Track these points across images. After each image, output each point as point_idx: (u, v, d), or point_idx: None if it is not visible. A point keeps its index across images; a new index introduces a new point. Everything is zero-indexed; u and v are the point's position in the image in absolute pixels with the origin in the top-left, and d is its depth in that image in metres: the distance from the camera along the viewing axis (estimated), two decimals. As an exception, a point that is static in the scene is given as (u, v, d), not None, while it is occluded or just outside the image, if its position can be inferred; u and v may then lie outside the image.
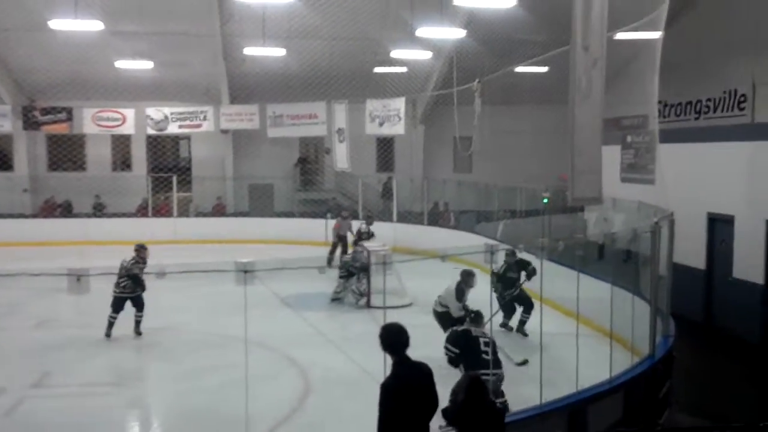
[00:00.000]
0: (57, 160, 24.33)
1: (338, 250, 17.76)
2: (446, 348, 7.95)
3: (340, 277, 14.06)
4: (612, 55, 8.00)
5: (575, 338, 7.62)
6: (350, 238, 17.85)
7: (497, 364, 7.53)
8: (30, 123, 22.47)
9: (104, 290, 10.73)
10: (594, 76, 7.68)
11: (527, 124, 22.96)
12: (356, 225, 18.00)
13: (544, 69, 19.23)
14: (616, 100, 16.94)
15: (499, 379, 7.45)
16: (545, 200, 17.52)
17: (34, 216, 23.04)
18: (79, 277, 6.22)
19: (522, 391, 7.66)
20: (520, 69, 16.27)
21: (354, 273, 13.94)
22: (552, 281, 8.06)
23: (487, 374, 7.04)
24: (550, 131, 20.71)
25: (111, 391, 9.16)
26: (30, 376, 9.54)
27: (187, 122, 22.69)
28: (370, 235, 17.38)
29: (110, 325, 11.34)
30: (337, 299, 14.05)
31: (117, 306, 11.38)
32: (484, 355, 7.43)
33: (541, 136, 21.92)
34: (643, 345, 8.35)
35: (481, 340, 7.57)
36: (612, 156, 16.62)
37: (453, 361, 7.79)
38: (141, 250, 11.74)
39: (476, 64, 16.89)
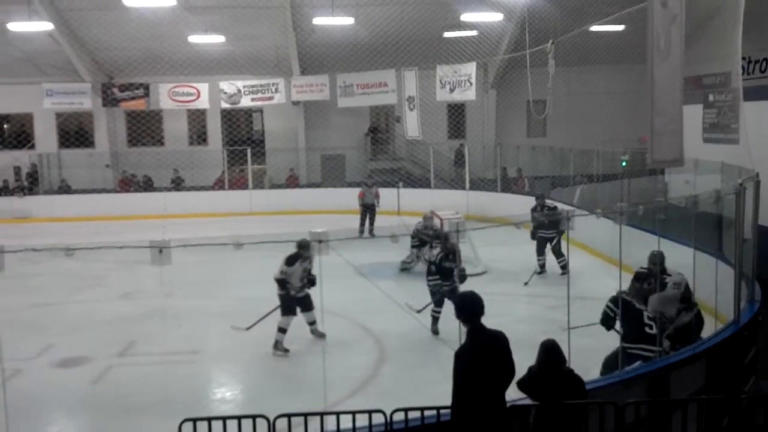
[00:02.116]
0: (136, 135, 25.03)
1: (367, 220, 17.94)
2: (607, 306, 7.46)
3: (412, 246, 14.02)
4: (692, 10, 7.65)
5: (656, 305, 7.41)
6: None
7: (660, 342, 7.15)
8: (109, 100, 23.16)
9: (185, 261, 11.01)
10: (673, 32, 7.35)
11: (603, 85, 22.24)
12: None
13: (620, 27, 18.55)
14: (696, 57, 16.25)
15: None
16: (624, 163, 17.05)
17: (116, 191, 23.83)
18: (161, 249, 6.40)
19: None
20: (594, 28, 15.74)
21: (427, 242, 13.88)
22: (631, 247, 7.82)
23: (651, 350, 6.92)
24: (627, 92, 20.00)
25: (193, 359, 9.43)
26: (116, 345, 9.92)
27: (259, 95, 22.95)
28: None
29: None
30: (405, 269, 14.04)
31: None
32: (647, 329, 7.09)
33: (618, 97, 21.23)
34: (728, 310, 8.07)
35: (645, 314, 7.23)
36: (693, 116, 16.07)
37: (606, 321, 7.42)
38: None
39: (549, 24, 16.43)
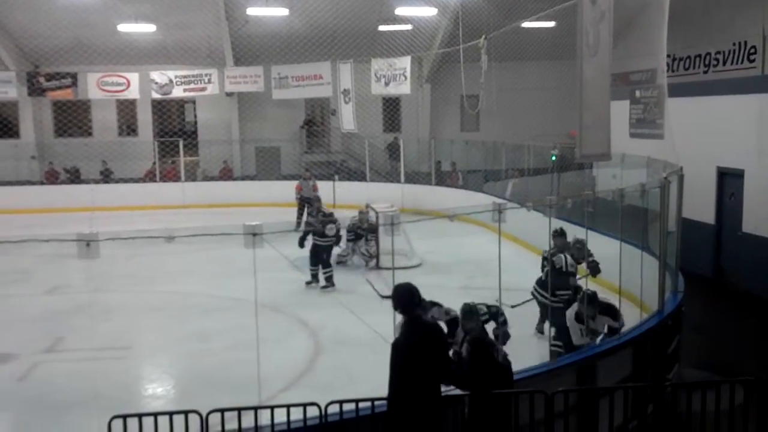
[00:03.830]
0: (63, 126, 24.26)
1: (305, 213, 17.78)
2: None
3: (348, 240, 14.04)
4: (620, 8, 7.86)
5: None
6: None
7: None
8: (35, 89, 22.36)
9: (114, 255, 10.77)
10: (602, 29, 7.54)
11: (535, 80, 22.70)
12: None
13: (551, 24, 18.96)
14: (624, 54, 16.72)
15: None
16: (554, 157, 17.41)
17: (42, 183, 23.07)
18: (88, 242, 6.23)
19: (532, 349, 7.70)
20: (526, 24, 16.01)
21: (362, 235, 13.93)
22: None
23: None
24: (558, 87, 20.42)
25: (124, 354, 9.24)
26: (43, 342, 9.65)
27: (192, 86, 22.54)
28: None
29: None
30: (341, 262, 14.05)
31: None
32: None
33: (549, 92, 21.68)
34: (653, 301, 8.35)
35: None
36: (620, 111, 16.48)
37: None
38: None
39: (482, 20, 16.63)
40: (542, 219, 8.15)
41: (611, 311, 7.65)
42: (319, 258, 12.49)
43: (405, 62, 19.79)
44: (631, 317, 8.12)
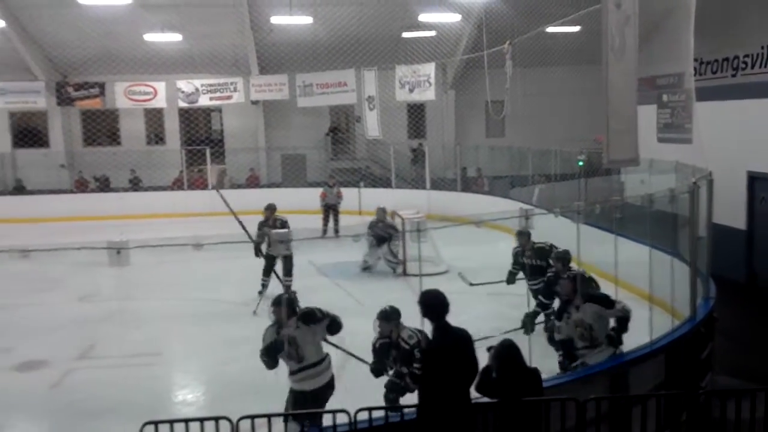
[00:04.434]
0: (92, 135, 24.60)
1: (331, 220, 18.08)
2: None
3: (370, 246, 14.07)
4: (645, 11, 7.79)
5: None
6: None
7: None
8: (63, 99, 22.72)
9: (144, 263, 10.90)
10: (627, 33, 7.48)
11: (560, 85, 22.59)
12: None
13: (576, 28, 18.85)
14: (650, 58, 16.55)
15: None
16: (580, 163, 17.30)
17: (71, 192, 23.39)
18: (119, 250, 6.33)
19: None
20: (551, 29, 15.97)
21: (385, 238, 13.94)
22: (589, 245, 7.97)
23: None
24: (584, 92, 20.23)
25: (153, 361, 9.32)
26: (75, 349, 9.77)
27: (218, 94, 22.76)
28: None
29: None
30: (367, 269, 14.08)
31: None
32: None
33: (575, 97, 21.55)
34: (684, 308, 8.25)
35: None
36: (648, 116, 16.37)
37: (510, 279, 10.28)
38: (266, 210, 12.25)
39: (506, 25, 16.60)
40: (570, 225, 8.10)
41: (602, 301, 7.09)
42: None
43: (429, 68, 19.81)
44: (663, 324, 8.02)
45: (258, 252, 11.73)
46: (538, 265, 9.96)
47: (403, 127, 24.89)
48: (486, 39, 15.68)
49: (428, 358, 5.05)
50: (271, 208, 12.67)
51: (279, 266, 11.84)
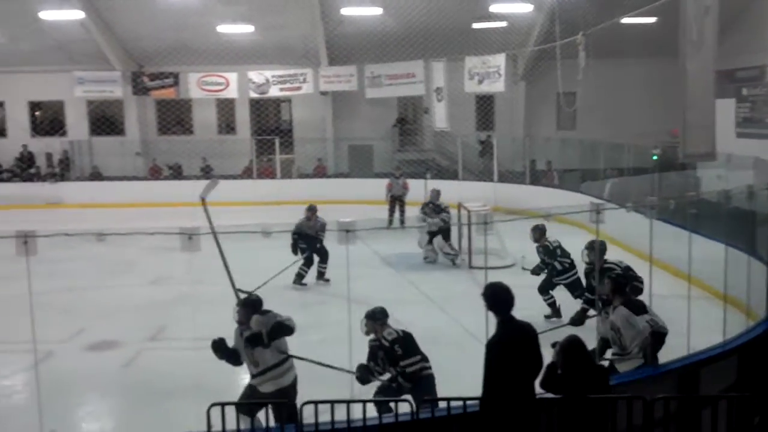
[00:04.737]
0: (166, 124, 25.26)
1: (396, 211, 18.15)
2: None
3: (428, 243, 14.11)
4: (725, 2, 7.55)
5: (687, 300, 7.34)
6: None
7: None
8: (139, 88, 23.40)
9: (214, 249, 11.11)
10: (706, 25, 7.26)
11: (635, 77, 21.98)
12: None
13: (652, 19, 18.34)
14: (729, 50, 15.99)
15: None
16: (655, 157, 16.86)
17: (146, 179, 24.07)
18: (190, 236, 6.48)
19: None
20: (626, 20, 15.56)
21: (440, 232, 13.98)
22: (662, 241, 7.76)
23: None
24: (659, 85, 19.76)
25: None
26: (146, 330, 10.06)
27: (288, 85, 23.04)
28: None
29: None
30: (430, 262, 14.12)
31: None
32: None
33: (650, 90, 21.00)
34: (760, 308, 7.97)
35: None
36: (726, 110, 15.84)
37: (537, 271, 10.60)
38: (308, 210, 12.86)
39: (579, 15, 16.23)
40: (642, 221, 7.89)
41: (634, 305, 6.69)
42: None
43: (499, 60, 19.59)
44: (737, 324, 7.77)
45: (296, 250, 12.64)
46: (544, 261, 10.57)
47: (471, 119, 24.67)
48: (559, 29, 15.41)
49: (494, 351, 5.01)
50: (312, 209, 13.05)
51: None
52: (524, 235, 11.55)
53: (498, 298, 5.17)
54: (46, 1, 18.93)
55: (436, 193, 14.80)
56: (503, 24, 20.88)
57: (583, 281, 9.57)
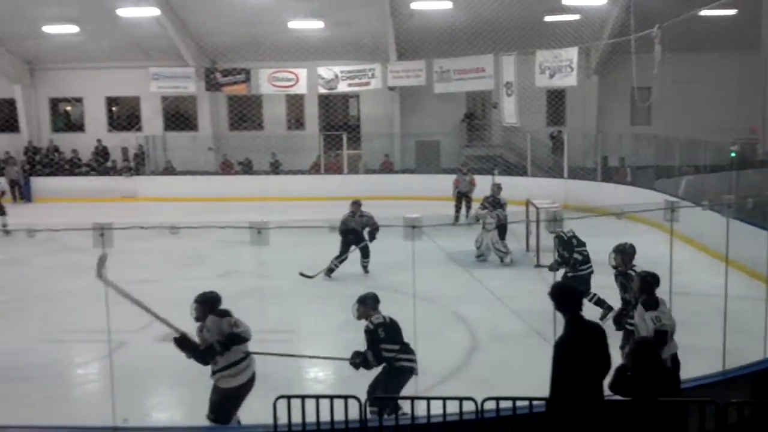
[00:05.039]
0: (237, 119, 25.70)
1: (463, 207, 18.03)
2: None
3: (482, 229, 14.12)
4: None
5: (764, 303, 7.04)
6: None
7: None
8: (212, 84, 23.86)
9: (282, 243, 11.26)
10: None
11: (712, 72, 21.23)
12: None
13: (732, 12, 17.67)
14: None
15: None
16: (733, 154, 16.25)
17: (217, 173, 24.57)
18: (260, 230, 6.57)
19: (704, 359, 7.22)
20: (704, 12, 15.06)
21: (497, 228, 13.83)
22: (739, 241, 7.47)
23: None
24: (738, 80, 19.12)
25: (288, 338, 9.62)
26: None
27: (356, 80, 23.12)
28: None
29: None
30: (480, 256, 14.01)
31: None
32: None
33: (728, 85, 20.25)
34: None
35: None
36: (811, 105, 15.13)
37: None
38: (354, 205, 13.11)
39: (655, 8, 15.82)
40: (719, 220, 7.61)
41: (647, 302, 6.55)
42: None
43: (572, 53, 19.21)
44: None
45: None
46: (562, 255, 10.17)
47: (541, 114, 24.28)
48: (633, 22, 15.03)
49: (561, 352, 4.91)
50: (357, 203, 13.30)
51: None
52: (595, 233, 11.31)
53: (566, 297, 5.08)
54: (123, -1, 19.57)
55: (497, 188, 14.69)
56: (576, 17, 20.48)
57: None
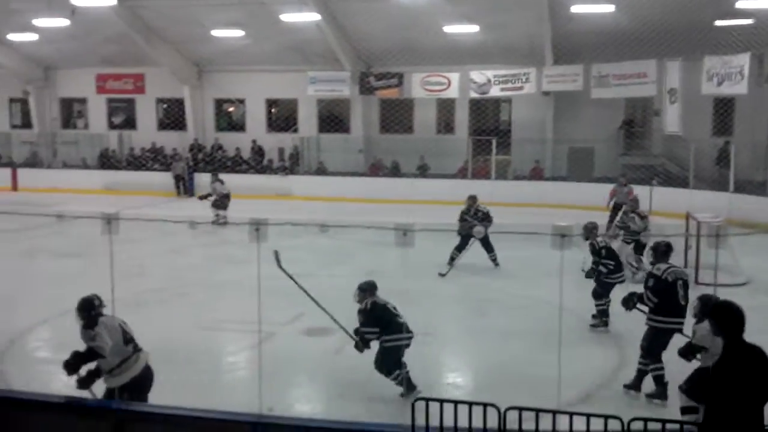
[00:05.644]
0: (388, 122, 26.04)
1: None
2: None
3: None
4: None
5: None
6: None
7: None
8: (365, 88, 24.35)
9: (426, 246, 11.27)
10: None
11: None
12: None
13: None
14: None
15: None
16: None
17: (366, 175, 25.05)
18: (405, 232, 6.61)
19: None
20: None
21: (634, 242, 13.10)
22: None
23: None
24: None
25: (427, 340, 9.55)
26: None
27: (509, 85, 22.80)
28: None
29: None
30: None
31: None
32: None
33: None
34: None
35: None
36: None
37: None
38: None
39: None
40: None
41: None
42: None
43: (743, 59, 17.99)
44: None
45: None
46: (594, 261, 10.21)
47: (706, 123, 22.83)
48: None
49: (718, 376, 4.53)
50: (473, 198, 13.92)
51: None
52: (762, 251, 10.52)
53: (729, 318, 4.67)
54: (287, 4, 20.35)
55: (635, 201, 14.39)
56: (749, 21, 19.11)
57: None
